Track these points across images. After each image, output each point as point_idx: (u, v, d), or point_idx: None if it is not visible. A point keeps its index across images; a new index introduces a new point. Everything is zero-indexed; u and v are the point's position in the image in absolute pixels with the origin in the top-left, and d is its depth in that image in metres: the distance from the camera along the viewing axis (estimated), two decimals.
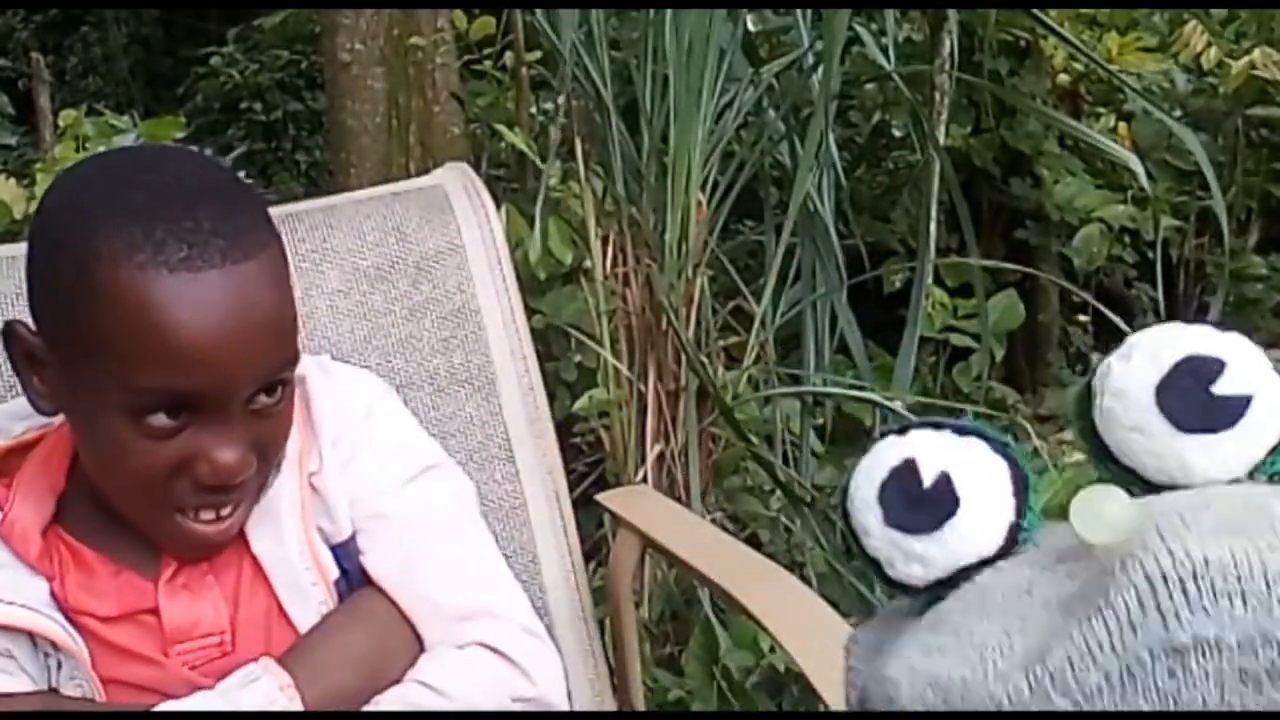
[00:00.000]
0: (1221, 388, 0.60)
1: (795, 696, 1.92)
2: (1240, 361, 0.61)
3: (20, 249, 1.29)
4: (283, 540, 1.00)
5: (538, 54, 2.57)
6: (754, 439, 2.08)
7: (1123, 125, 3.37)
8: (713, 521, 1.96)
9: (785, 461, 2.20)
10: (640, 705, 1.39)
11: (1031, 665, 0.55)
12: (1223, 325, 0.63)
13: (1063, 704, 0.54)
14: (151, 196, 0.89)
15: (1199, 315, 3.55)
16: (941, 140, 2.49)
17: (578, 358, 2.32)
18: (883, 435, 0.67)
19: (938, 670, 0.58)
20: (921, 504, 0.62)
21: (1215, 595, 0.53)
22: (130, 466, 0.91)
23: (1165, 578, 0.54)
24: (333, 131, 3.18)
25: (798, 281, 2.22)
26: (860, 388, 2.17)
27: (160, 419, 0.89)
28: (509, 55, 2.69)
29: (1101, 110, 3.47)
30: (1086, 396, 0.63)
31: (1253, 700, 0.52)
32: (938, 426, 0.66)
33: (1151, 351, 0.61)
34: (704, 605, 1.97)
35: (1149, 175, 2.40)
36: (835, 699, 1.03)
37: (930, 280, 2.43)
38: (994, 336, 2.63)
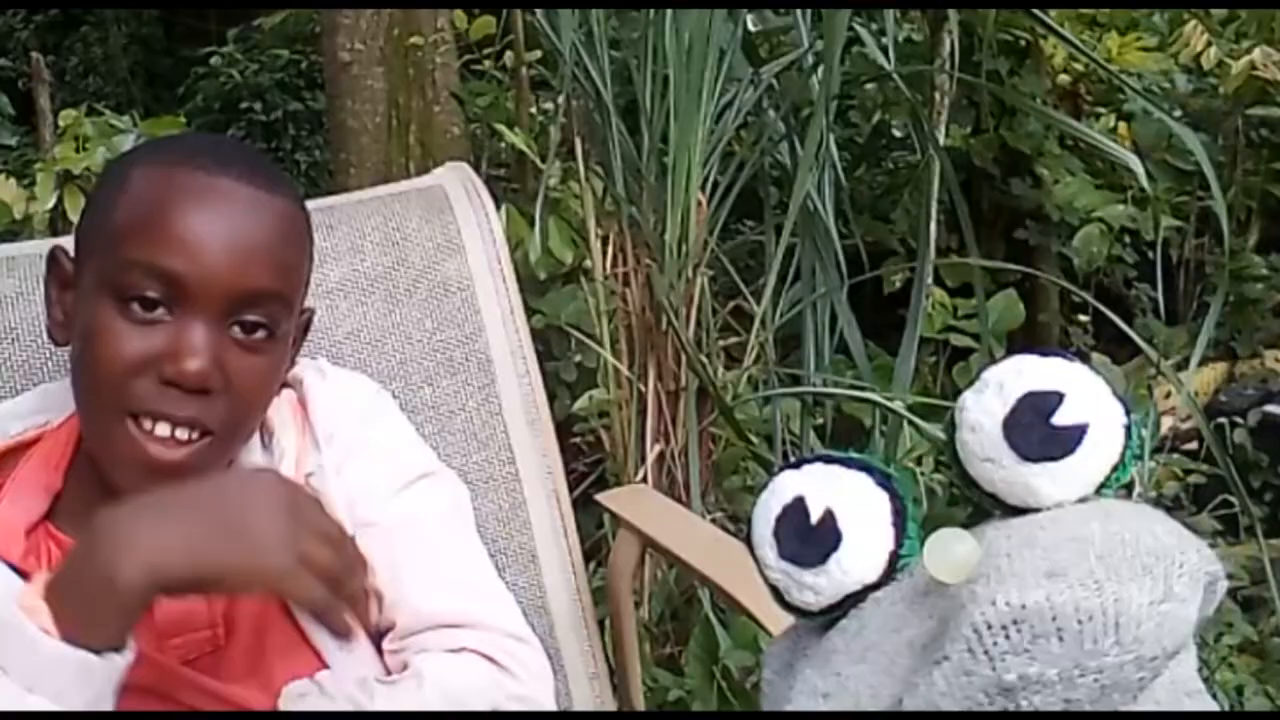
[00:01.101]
0: (1061, 418, 0.66)
1: None
2: (1078, 393, 0.66)
3: (20, 249, 1.29)
4: None
5: (538, 54, 2.58)
6: (754, 439, 2.08)
7: (1123, 125, 3.37)
8: (713, 521, 1.96)
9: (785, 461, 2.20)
10: (640, 705, 1.39)
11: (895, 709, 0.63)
12: (1067, 354, 0.69)
13: None
14: (203, 139, 1.06)
15: (1199, 315, 3.56)
16: (941, 140, 2.49)
17: (578, 358, 2.32)
18: (780, 469, 0.74)
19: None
20: (810, 539, 0.69)
21: (1034, 638, 0.58)
22: (105, 354, 0.92)
23: (990, 626, 0.60)
24: (333, 131, 3.18)
25: (798, 281, 2.22)
26: (860, 388, 2.17)
27: (143, 296, 0.92)
28: (509, 55, 2.69)
29: (1101, 110, 3.47)
30: (952, 428, 0.70)
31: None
32: (828, 460, 0.72)
33: (998, 385, 0.68)
34: (704, 605, 1.96)
35: (1149, 175, 2.40)
36: None
37: (930, 280, 2.43)
38: (994, 336, 2.62)
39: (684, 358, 1.99)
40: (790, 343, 2.39)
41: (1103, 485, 0.66)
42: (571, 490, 1.39)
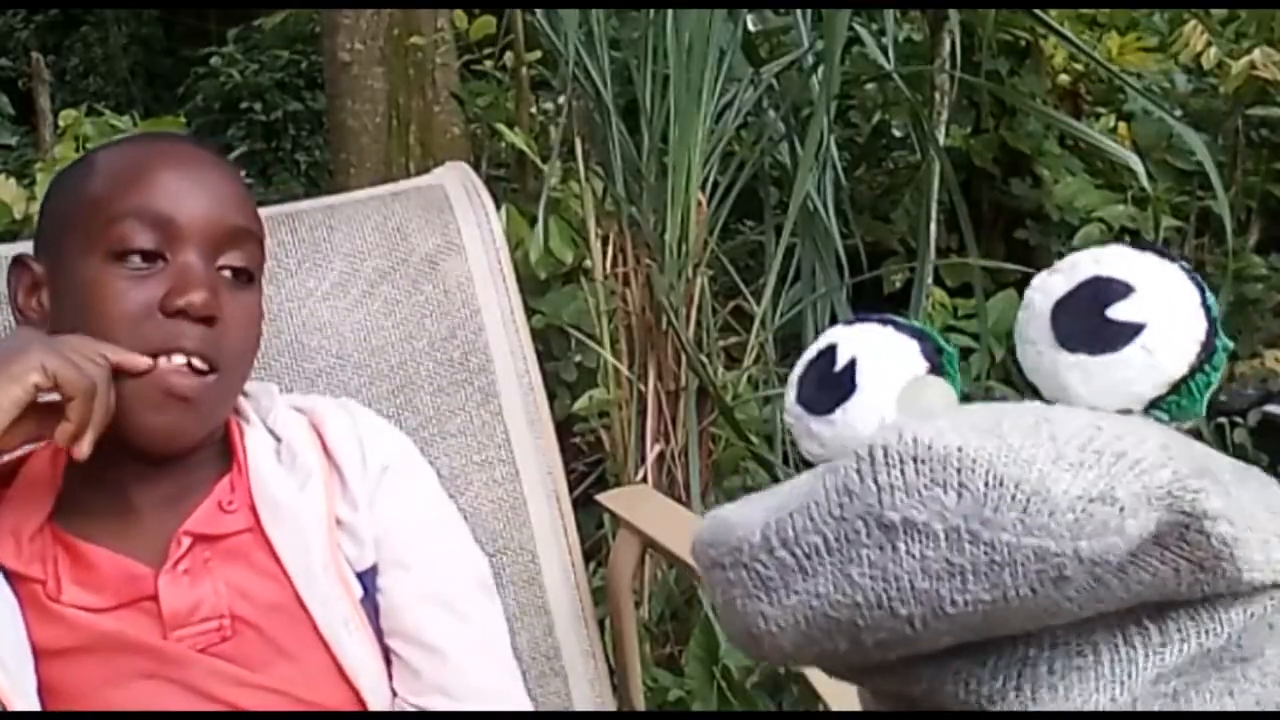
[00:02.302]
0: (1117, 312, 0.57)
1: (795, 696, 1.92)
2: (1152, 290, 0.57)
3: (20, 249, 1.29)
4: (307, 547, 1.01)
5: (538, 54, 2.58)
6: (754, 439, 2.08)
7: (1122, 125, 3.37)
8: None
9: (785, 461, 2.20)
10: (640, 705, 1.39)
11: (770, 519, 0.57)
12: (1173, 255, 0.59)
13: (783, 555, 0.55)
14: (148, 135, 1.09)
15: None
16: (941, 140, 2.49)
17: (578, 358, 2.32)
18: (840, 323, 0.68)
19: (731, 516, 0.60)
20: (825, 385, 0.64)
21: (930, 483, 0.52)
22: (112, 309, 0.96)
23: (887, 453, 0.53)
24: (333, 131, 3.19)
25: (798, 281, 2.22)
26: None
27: (139, 243, 0.97)
28: (509, 55, 2.69)
29: (1101, 110, 3.47)
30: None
31: (960, 594, 0.51)
32: (884, 321, 0.66)
33: (1071, 265, 0.59)
34: (704, 605, 1.97)
35: (1149, 175, 2.40)
36: (836, 699, 1.03)
37: (930, 280, 2.43)
38: (994, 336, 2.62)
39: (684, 358, 1.99)
40: (790, 343, 2.39)
41: (1155, 404, 0.57)
42: (571, 490, 1.39)
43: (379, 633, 1.05)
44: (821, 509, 0.55)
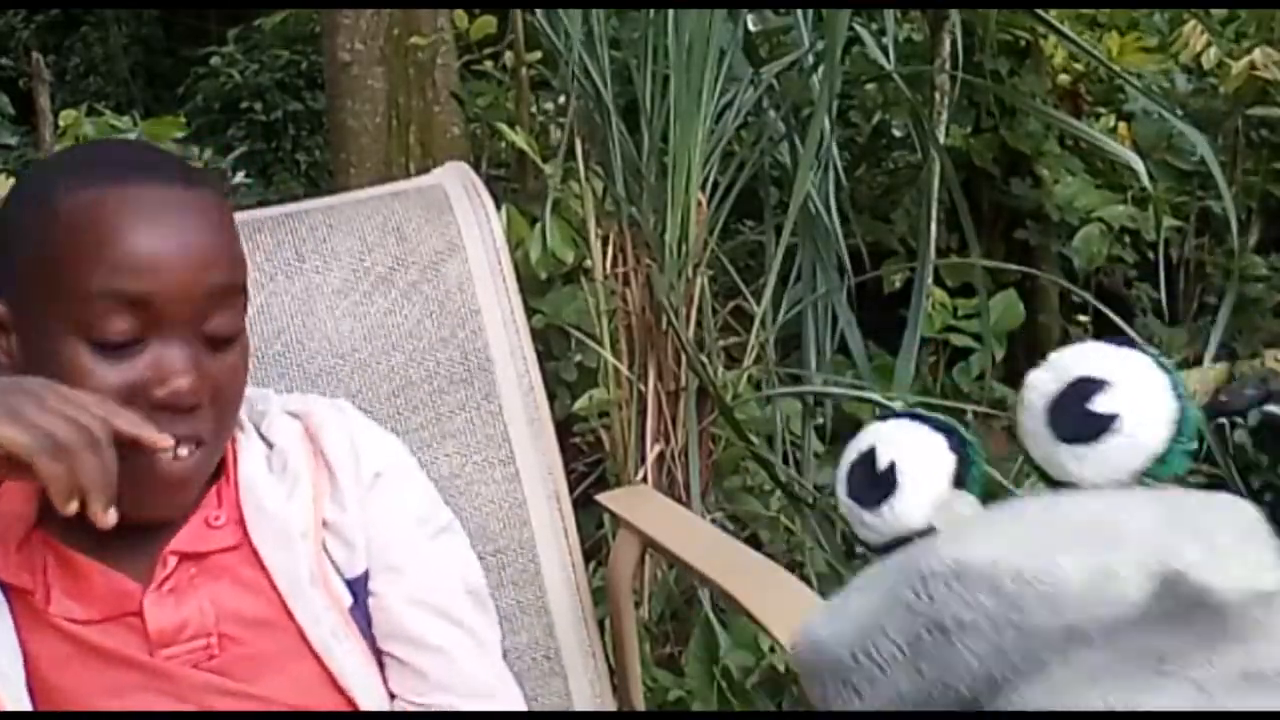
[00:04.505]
0: (1097, 405, 0.72)
1: (795, 696, 1.92)
2: (1124, 383, 0.72)
3: None
4: (294, 558, 1.01)
5: (538, 54, 2.57)
6: (754, 439, 2.08)
7: (1123, 125, 3.37)
8: (713, 521, 1.96)
9: (785, 461, 2.20)
10: (640, 705, 1.39)
11: (854, 640, 0.72)
12: (1145, 348, 0.75)
13: (869, 667, 0.70)
14: (108, 148, 1.00)
15: (1199, 315, 3.56)
16: (941, 140, 2.49)
17: (578, 358, 2.31)
18: (874, 419, 0.85)
19: (822, 633, 0.75)
20: (872, 484, 0.79)
21: (972, 590, 0.66)
22: (90, 392, 0.90)
23: (935, 574, 0.68)
24: (333, 131, 3.18)
25: (798, 281, 2.22)
26: (860, 388, 2.16)
27: (116, 330, 0.91)
28: (509, 55, 2.69)
29: (1101, 110, 3.47)
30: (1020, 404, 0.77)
31: (1006, 669, 0.65)
32: (915, 418, 0.82)
33: (1061, 366, 0.75)
34: (704, 605, 1.96)
35: (1149, 175, 2.40)
36: None
37: (930, 280, 2.43)
38: (994, 336, 2.63)
39: (684, 358, 1.99)
40: (790, 343, 2.39)
41: (1146, 473, 0.71)
42: (571, 490, 1.38)
43: (371, 639, 1.05)
44: (891, 626, 0.69)
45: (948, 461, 0.78)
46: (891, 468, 0.79)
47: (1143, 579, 0.63)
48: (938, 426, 0.80)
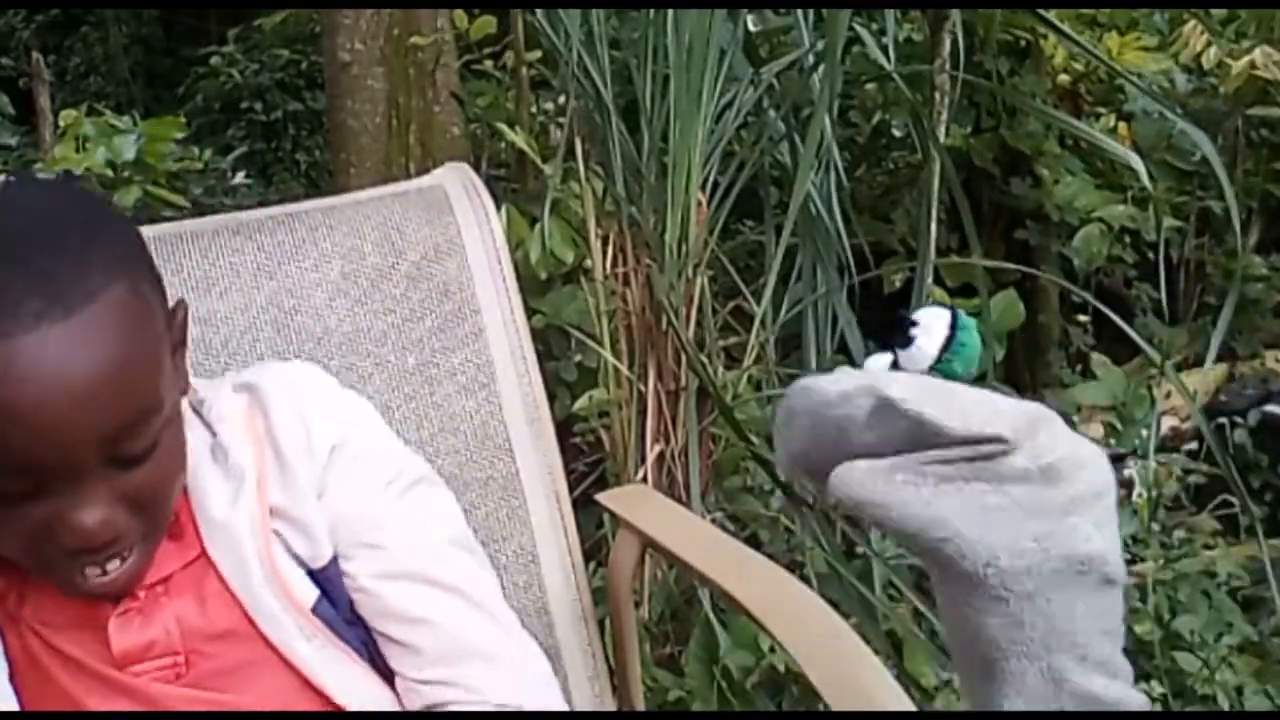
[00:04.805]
0: (911, 332, 1.21)
1: (795, 696, 1.92)
2: (924, 321, 1.21)
3: None
4: (244, 564, 0.98)
5: (538, 54, 2.58)
6: (754, 439, 2.08)
7: (1123, 125, 3.37)
8: (713, 521, 1.96)
9: None
10: (640, 705, 1.39)
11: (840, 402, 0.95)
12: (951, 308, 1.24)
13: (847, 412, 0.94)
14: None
15: (1199, 315, 3.56)
16: (942, 140, 2.48)
17: (578, 358, 2.32)
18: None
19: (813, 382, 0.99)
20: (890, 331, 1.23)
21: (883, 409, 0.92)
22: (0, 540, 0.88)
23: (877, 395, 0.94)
24: (333, 131, 3.18)
25: (798, 281, 2.22)
26: None
27: (14, 490, 0.85)
28: (509, 55, 2.69)
29: (1102, 110, 3.47)
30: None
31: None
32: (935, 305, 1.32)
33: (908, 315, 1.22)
34: (704, 605, 1.96)
35: (1149, 175, 2.40)
36: (835, 699, 1.03)
37: (930, 280, 2.43)
38: (994, 336, 2.62)
39: (684, 358, 1.99)
40: (790, 343, 2.39)
41: (931, 369, 1.19)
42: (571, 490, 1.38)
43: (359, 623, 1.02)
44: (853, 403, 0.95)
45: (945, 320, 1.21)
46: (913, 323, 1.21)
47: (867, 399, 0.91)
48: (945, 307, 1.23)
